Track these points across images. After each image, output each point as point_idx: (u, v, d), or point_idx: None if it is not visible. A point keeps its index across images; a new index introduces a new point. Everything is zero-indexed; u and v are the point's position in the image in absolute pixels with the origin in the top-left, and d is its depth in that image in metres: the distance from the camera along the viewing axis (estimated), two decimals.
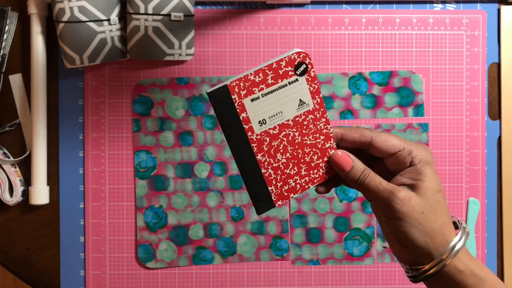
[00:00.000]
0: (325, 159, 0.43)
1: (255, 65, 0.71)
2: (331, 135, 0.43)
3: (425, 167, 0.41)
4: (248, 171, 0.43)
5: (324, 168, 0.44)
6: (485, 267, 0.43)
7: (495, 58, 0.73)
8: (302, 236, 0.72)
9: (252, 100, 0.41)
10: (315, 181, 0.44)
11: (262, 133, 0.42)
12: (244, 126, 0.41)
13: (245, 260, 0.72)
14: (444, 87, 0.72)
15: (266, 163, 0.43)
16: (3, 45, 0.69)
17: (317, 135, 0.43)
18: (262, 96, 0.41)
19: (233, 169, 0.71)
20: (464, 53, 0.72)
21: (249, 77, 0.40)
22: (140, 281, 0.72)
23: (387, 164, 0.43)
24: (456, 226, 0.44)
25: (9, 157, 0.70)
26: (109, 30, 0.67)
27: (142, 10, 0.66)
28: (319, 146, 0.43)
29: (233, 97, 0.40)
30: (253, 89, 0.41)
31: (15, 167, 0.70)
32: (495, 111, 0.73)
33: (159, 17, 0.67)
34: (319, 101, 0.42)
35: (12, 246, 0.71)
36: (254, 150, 0.42)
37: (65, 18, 0.65)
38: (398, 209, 0.40)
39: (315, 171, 0.44)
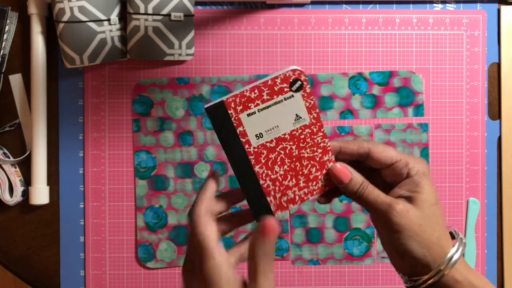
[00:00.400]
0: (324, 171, 0.44)
1: (255, 65, 0.72)
2: (329, 148, 0.44)
3: (422, 179, 0.41)
4: (247, 182, 0.44)
5: (323, 180, 0.44)
6: (483, 277, 0.43)
7: (495, 58, 0.73)
8: (302, 236, 0.72)
9: (249, 115, 0.42)
10: (314, 192, 0.45)
11: (259, 146, 0.43)
12: (241, 139, 0.42)
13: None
14: (444, 87, 0.72)
15: (264, 174, 0.44)
16: (3, 45, 0.69)
17: (315, 148, 0.44)
18: (258, 111, 0.42)
19: None
20: (464, 53, 0.72)
21: (245, 93, 0.42)
22: (140, 281, 0.72)
23: (385, 175, 0.44)
24: (453, 236, 0.44)
25: (9, 157, 0.70)
26: (109, 30, 0.67)
27: (142, 10, 0.66)
28: (317, 159, 0.44)
29: (229, 112, 0.42)
30: (249, 104, 0.42)
31: (15, 167, 0.70)
32: (495, 111, 0.73)
33: (159, 17, 0.67)
34: (315, 116, 0.43)
35: (12, 246, 0.71)
36: (252, 162, 0.43)
37: (65, 18, 0.65)
38: (396, 221, 0.40)
39: (314, 183, 0.44)
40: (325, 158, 0.44)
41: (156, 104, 0.71)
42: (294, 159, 0.44)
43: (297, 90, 0.42)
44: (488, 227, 0.73)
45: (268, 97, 0.42)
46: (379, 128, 0.72)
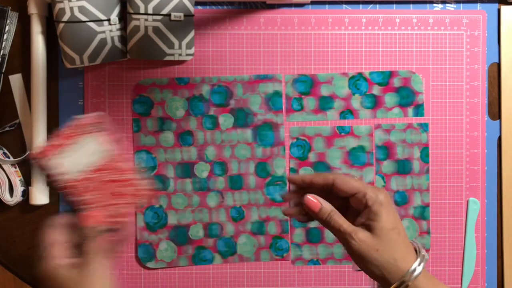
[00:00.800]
0: (135, 188, 0.54)
1: (255, 65, 0.72)
2: (135, 174, 0.54)
3: (379, 208, 0.46)
4: (78, 209, 0.52)
5: (137, 196, 0.54)
6: None
7: (495, 58, 0.73)
8: (302, 236, 0.72)
9: (64, 156, 0.52)
10: (132, 205, 0.55)
11: (80, 178, 0.52)
12: (64, 175, 0.51)
13: (245, 260, 0.72)
14: (444, 87, 0.72)
15: (89, 199, 0.52)
16: (3, 45, 0.69)
17: (125, 172, 0.54)
18: (72, 151, 0.52)
19: (233, 169, 0.71)
20: (464, 53, 0.72)
21: (56, 141, 0.52)
22: (140, 281, 0.72)
23: (352, 204, 0.48)
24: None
25: (9, 157, 0.70)
26: (109, 30, 0.67)
27: (142, 10, 0.66)
28: (129, 181, 0.54)
29: (47, 157, 0.51)
30: (62, 148, 0.52)
31: (15, 167, 0.71)
32: (495, 111, 0.73)
33: (159, 17, 0.67)
34: (117, 150, 0.54)
35: (12, 246, 0.71)
36: (78, 192, 0.52)
37: (65, 18, 0.65)
38: (356, 248, 0.46)
39: (130, 198, 0.54)
40: (133, 176, 0.54)
41: (156, 104, 0.71)
42: (111, 184, 0.53)
43: (99, 131, 0.53)
44: (488, 227, 0.73)
45: (75, 138, 0.52)
46: (379, 128, 0.72)
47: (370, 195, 0.46)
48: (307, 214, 0.50)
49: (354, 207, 0.48)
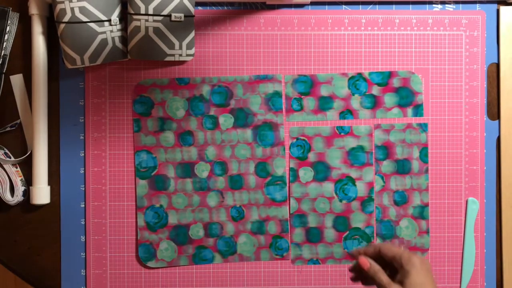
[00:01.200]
0: None
1: (255, 66, 0.72)
2: None
3: (410, 268, 0.57)
4: None
5: None
6: None
7: (494, 58, 0.73)
8: (302, 236, 0.72)
9: None
10: None
11: None
12: None
13: (245, 260, 0.72)
14: (443, 87, 0.73)
15: None
16: (4, 46, 0.69)
17: None
18: None
19: (233, 169, 0.72)
20: (463, 53, 0.73)
21: None
22: (140, 281, 0.72)
23: (394, 265, 0.59)
24: None
25: (10, 157, 0.71)
26: (110, 31, 0.68)
27: (142, 11, 0.66)
28: None
29: None
30: None
31: (16, 167, 0.71)
32: (494, 111, 0.73)
33: (160, 18, 0.67)
34: None
35: (13, 246, 0.72)
36: None
37: (66, 18, 0.66)
38: None
39: None
40: None
41: (157, 104, 0.71)
42: None
43: None
44: (487, 227, 0.73)
45: None
46: (378, 128, 0.72)
47: (404, 258, 0.58)
48: (367, 278, 0.61)
49: (396, 267, 0.60)
